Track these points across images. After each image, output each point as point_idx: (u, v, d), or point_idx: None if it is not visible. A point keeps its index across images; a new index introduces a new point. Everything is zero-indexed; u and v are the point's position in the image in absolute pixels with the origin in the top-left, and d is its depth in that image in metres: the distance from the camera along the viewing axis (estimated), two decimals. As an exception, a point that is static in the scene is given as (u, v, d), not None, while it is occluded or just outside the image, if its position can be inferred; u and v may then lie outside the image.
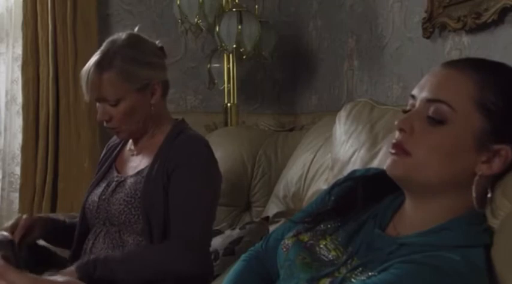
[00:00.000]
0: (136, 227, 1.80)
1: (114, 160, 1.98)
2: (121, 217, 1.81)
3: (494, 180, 1.11)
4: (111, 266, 1.71)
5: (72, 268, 1.70)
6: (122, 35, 1.87)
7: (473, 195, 1.08)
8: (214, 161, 1.89)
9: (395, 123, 1.12)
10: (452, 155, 1.08)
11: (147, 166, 1.85)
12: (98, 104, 1.85)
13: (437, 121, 1.09)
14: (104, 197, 1.87)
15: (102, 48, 1.84)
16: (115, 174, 1.93)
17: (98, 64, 1.80)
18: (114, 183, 1.88)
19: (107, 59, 1.80)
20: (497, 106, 1.07)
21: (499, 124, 1.07)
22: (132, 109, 1.83)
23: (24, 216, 1.84)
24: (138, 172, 1.86)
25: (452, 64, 1.15)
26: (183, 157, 1.82)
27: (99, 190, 1.90)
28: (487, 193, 1.10)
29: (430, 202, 1.12)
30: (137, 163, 1.91)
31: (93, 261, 1.71)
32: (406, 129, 1.10)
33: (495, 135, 1.07)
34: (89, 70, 1.80)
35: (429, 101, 1.10)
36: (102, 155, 2.05)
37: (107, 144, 2.08)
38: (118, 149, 2.00)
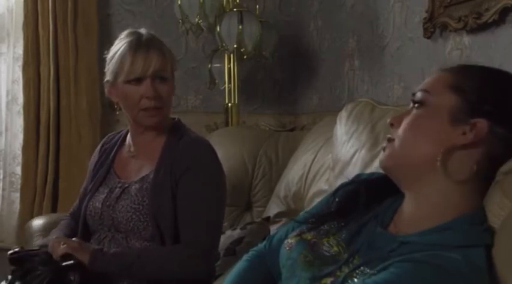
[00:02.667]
0: (145, 233, 1.78)
1: (111, 164, 1.93)
2: (129, 224, 1.78)
3: (490, 163, 1.12)
4: (124, 258, 1.72)
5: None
6: (141, 30, 1.89)
7: (452, 168, 1.11)
8: (219, 163, 1.88)
9: (387, 120, 1.21)
10: (428, 130, 1.14)
11: (151, 171, 1.82)
12: (136, 87, 1.80)
13: (416, 103, 1.17)
14: (108, 204, 1.83)
15: (134, 36, 1.83)
16: (116, 179, 1.88)
17: (153, 38, 1.84)
18: (118, 189, 1.84)
19: (155, 38, 1.85)
20: (471, 87, 1.14)
21: (474, 102, 1.13)
22: (171, 90, 1.87)
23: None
24: (143, 178, 1.83)
25: (446, 68, 1.22)
26: (190, 162, 1.80)
27: (101, 197, 1.86)
28: (472, 169, 1.11)
29: (422, 193, 1.14)
30: (139, 166, 1.87)
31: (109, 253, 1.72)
32: (394, 122, 1.19)
33: (471, 110, 1.12)
34: (149, 42, 1.81)
35: (414, 94, 1.19)
36: (97, 157, 1.98)
37: (100, 145, 2.02)
38: (114, 151, 1.95)
